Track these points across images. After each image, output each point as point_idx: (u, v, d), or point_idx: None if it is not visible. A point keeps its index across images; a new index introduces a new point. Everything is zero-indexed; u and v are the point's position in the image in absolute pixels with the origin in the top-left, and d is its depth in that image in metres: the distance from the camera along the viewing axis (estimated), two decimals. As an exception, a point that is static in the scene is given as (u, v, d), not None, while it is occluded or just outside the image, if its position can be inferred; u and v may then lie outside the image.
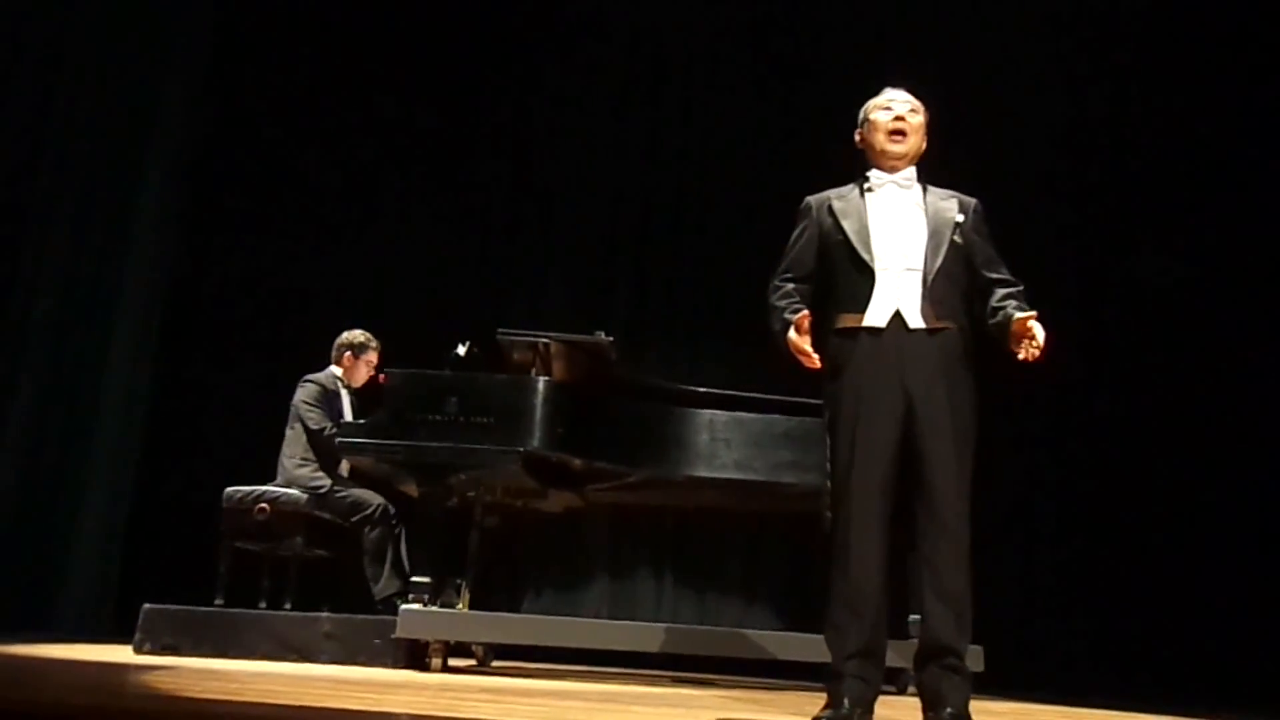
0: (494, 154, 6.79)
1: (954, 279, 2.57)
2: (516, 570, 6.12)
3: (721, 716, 2.79)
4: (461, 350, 4.28)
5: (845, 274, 2.57)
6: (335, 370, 4.99)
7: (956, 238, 2.58)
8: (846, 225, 2.59)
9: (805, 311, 2.52)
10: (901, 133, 2.65)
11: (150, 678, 2.94)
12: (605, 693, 3.51)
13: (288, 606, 4.70)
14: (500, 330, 4.27)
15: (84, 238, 5.91)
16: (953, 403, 2.47)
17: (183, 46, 6.46)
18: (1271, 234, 5.71)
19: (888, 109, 2.69)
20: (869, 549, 2.43)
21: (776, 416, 4.33)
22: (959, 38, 6.44)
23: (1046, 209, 6.16)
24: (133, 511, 6.06)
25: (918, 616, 2.51)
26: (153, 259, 6.26)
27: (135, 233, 6.13)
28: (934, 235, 2.57)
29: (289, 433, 4.79)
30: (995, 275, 2.62)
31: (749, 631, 4.72)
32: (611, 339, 4.33)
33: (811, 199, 2.71)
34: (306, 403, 4.79)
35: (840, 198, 2.66)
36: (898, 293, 2.51)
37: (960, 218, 2.60)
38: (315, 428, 4.72)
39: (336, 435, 4.43)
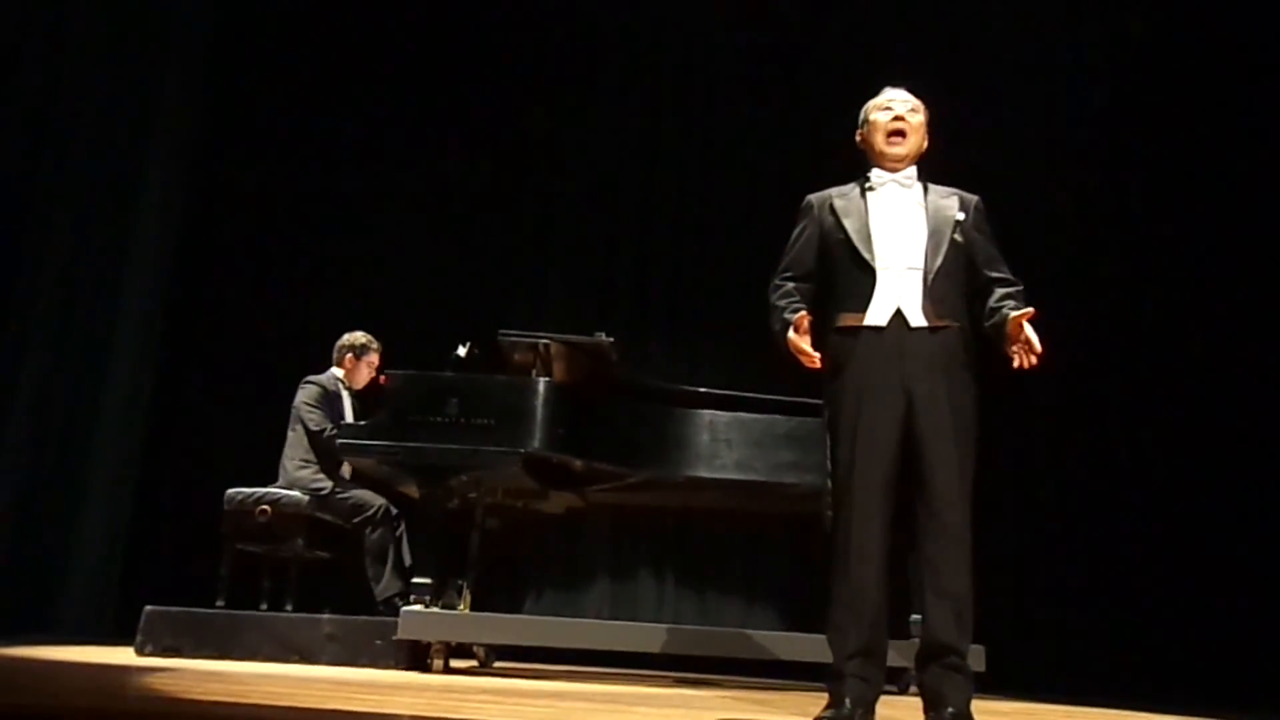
0: (494, 154, 6.79)
1: (955, 278, 2.56)
2: (518, 571, 6.14)
3: (723, 717, 2.79)
4: (462, 351, 4.28)
5: (846, 273, 2.57)
6: (336, 372, 4.99)
7: (957, 236, 2.58)
8: (848, 224, 2.59)
9: (805, 311, 2.52)
10: (901, 133, 2.65)
11: (152, 679, 2.94)
12: (607, 693, 3.50)
13: (289, 608, 4.71)
14: (501, 331, 4.27)
15: (84, 238, 5.91)
16: (954, 402, 2.47)
17: (183, 47, 6.47)
18: (1271, 234, 5.70)
19: (888, 109, 2.68)
20: (870, 549, 2.42)
21: (777, 417, 4.34)
22: (959, 38, 6.44)
23: (1047, 209, 6.16)
24: (134, 513, 6.07)
25: (919, 616, 2.51)
26: (153, 259, 6.26)
27: (135, 233, 6.13)
28: (934, 234, 2.57)
29: (290, 435, 4.79)
30: (995, 274, 2.61)
31: (750, 632, 4.71)
32: (612, 339, 4.32)
33: (813, 197, 2.71)
34: (307, 404, 4.80)
35: (842, 196, 2.66)
36: (899, 291, 2.51)
37: (961, 216, 2.60)
38: (315, 429, 4.72)
39: (337, 437, 4.43)
